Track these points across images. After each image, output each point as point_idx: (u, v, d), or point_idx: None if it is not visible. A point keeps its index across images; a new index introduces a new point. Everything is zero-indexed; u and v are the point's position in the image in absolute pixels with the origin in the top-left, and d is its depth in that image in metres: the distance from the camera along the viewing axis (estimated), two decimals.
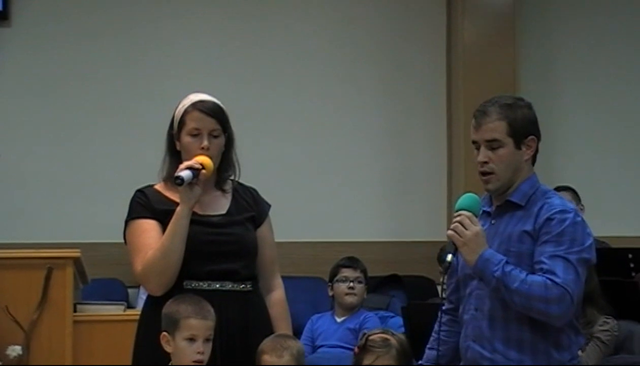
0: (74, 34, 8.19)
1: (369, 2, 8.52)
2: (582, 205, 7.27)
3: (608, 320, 6.00)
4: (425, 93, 8.53)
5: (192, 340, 4.08)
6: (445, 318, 4.22)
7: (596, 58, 8.76)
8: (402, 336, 4.39)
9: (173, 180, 4.18)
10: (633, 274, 7.12)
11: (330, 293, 6.80)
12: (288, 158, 8.31)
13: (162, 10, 8.27)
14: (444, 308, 4.26)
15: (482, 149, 3.98)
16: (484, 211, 4.05)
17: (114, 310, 5.43)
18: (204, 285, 4.23)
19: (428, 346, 4.23)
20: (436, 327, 4.22)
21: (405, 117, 8.53)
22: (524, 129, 3.98)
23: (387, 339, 4.28)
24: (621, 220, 8.14)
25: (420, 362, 4.24)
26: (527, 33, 8.53)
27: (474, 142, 4.02)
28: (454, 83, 8.42)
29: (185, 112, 4.30)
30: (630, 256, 7.21)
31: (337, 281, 6.74)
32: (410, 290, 7.86)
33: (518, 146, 3.97)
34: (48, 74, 8.14)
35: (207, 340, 4.11)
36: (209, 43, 8.33)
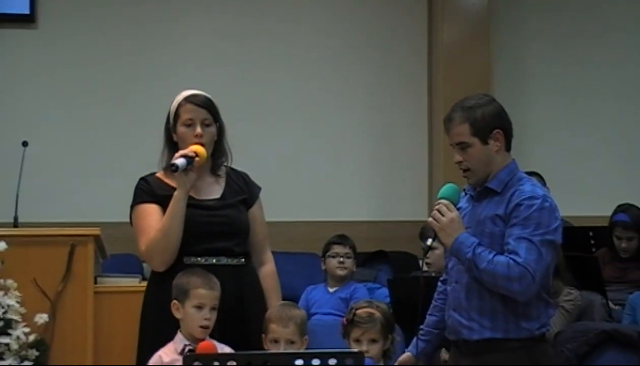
0: (94, 34, 8.22)
1: (359, 7, 8.54)
2: (547, 187, 7.27)
3: (572, 291, 6.02)
4: (408, 88, 8.53)
5: (199, 307, 4.11)
6: (442, 288, 4.22)
7: (560, 56, 8.78)
8: (385, 307, 4.39)
9: (169, 168, 4.21)
10: (594, 250, 7.15)
11: (323, 267, 6.82)
12: (287, 148, 8.33)
13: (169, 13, 8.31)
14: (441, 279, 4.26)
15: (456, 151, 3.98)
16: (470, 195, 4.07)
17: (130, 282, 5.41)
18: (201, 260, 4.25)
19: (428, 313, 4.23)
20: (435, 295, 4.24)
21: (391, 110, 8.55)
22: (487, 125, 3.94)
23: (372, 314, 4.27)
24: (583, 201, 8.16)
25: (421, 327, 4.23)
26: (500, 34, 8.55)
27: (450, 144, 4.02)
28: (434, 79, 8.42)
29: (179, 105, 4.33)
30: (591, 233, 7.23)
31: (329, 256, 6.75)
32: (394, 264, 7.86)
33: (484, 141, 3.94)
34: (72, 71, 8.16)
35: (213, 308, 4.13)
36: (211, 41, 8.37)
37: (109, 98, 8.18)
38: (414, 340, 4.19)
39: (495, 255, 3.83)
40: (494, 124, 3.97)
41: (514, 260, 3.79)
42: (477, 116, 3.94)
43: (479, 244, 3.87)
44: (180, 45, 8.31)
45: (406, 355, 4.19)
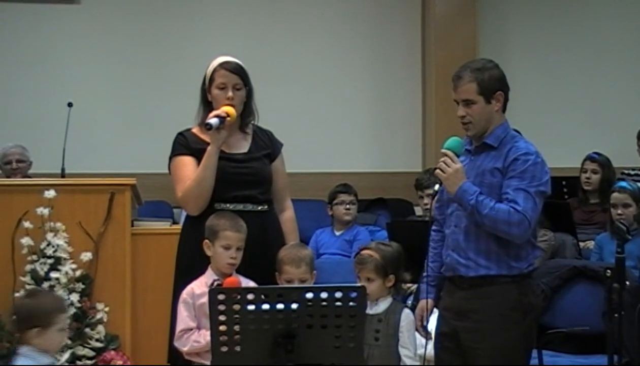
0: (131, 8, 8.17)
1: None
2: None
3: (547, 233, 6.03)
4: (405, 55, 8.48)
5: (227, 248, 4.10)
6: (439, 236, 4.10)
7: (534, 26, 8.72)
8: (387, 249, 4.29)
9: (204, 126, 4.19)
10: (566, 197, 7.15)
11: (330, 213, 6.81)
12: (297, 108, 8.30)
13: None
14: (434, 228, 4.13)
15: (460, 106, 3.92)
16: (465, 149, 4.00)
17: (162, 225, 5.43)
18: (230, 206, 4.24)
19: (430, 260, 4.07)
20: (432, 244, 4.10)
21: (389, 74, 8.50)
22: (492, 87, 3.91)
23: (369, 255, 4.24)
24: (557, 155, 8.10)
25: (426, 274, 4.09)
26: (485, 9, 8.48)
27: (455, 100, 3.96)
28: (427, 47, 8.37)
29: (214, 70, 4.31)
30: (564, 183, 7.24)
31: (335, 204, 6.74)
32: (392, 210, 7.87)
33: (488, 101, 3.91)
34: (111, 39, 8.11)
35: (238, 248, 4.12)
36: (234, 15, 8.32)
37: (144, 63, 8.13)
38: (423, 286, 4.09)
39: (496, 203, 3.80)
40: (497, 87, 3.93)
41: (514, 208, 3.77)
42: (484, 77, 3.90)
43: (481, 193, 3.83)
44: (208, 17, 8.28)
45: (425, 302, 4.08)
